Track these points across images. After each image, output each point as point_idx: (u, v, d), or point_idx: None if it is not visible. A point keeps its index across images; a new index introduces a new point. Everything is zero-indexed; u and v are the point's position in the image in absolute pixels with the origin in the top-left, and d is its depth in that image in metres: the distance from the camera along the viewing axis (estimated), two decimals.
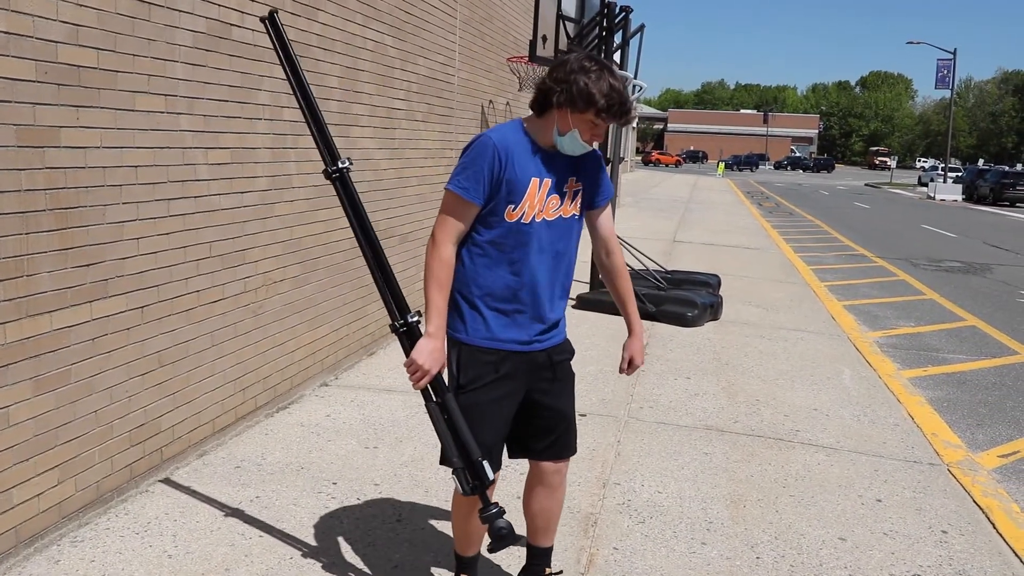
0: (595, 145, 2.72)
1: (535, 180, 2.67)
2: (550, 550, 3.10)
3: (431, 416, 2.66)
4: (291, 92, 2.79)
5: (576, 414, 2.97)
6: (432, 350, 2.61)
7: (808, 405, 5.77)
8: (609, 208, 2.96)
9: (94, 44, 3.45)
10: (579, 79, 2.57)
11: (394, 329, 2.69)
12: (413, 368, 2.60)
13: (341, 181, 2.72)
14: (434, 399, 2.66)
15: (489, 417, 2.74)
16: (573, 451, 2.96)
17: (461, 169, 2.66)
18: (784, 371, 6.62)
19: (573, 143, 2.66)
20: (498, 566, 3.37)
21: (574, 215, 2.80)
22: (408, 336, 2.67)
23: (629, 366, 3.03)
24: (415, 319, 2.67)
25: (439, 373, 2.65)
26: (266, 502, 3.90)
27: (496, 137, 2.65)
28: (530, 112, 2.76)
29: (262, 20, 2.79)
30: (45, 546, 3.38)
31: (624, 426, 5.15)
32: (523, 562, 3.19)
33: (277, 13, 2.74)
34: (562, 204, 2.74)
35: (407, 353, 2.64)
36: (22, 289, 3.18)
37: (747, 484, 4.37)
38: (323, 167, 2.74)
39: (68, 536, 3.48)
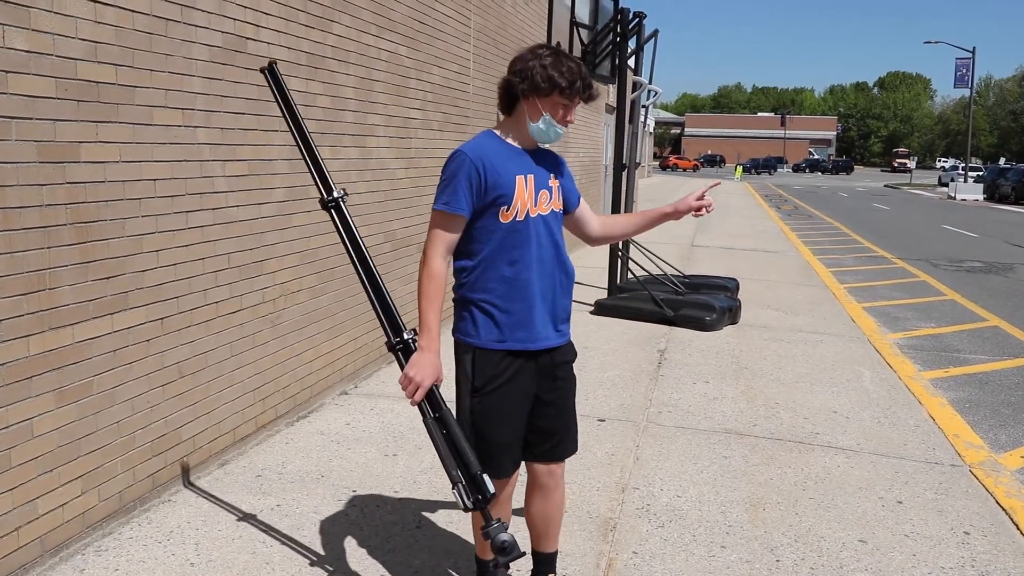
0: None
1: (520, 177, 2.74)
2: (554, 555, 3.10)
3: (429, 431, 2.66)
4: (288, 126, 2.85)
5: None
6: (424, 363, 2.64)
7: (828, 407, 5.74)
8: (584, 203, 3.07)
9: (112, 60, 3.50)
10: (537, 65, 2.70)
11: (390, 347, 2.73)
12: (406, 381, 2.64)
13: (336, 209, 2.79)
14: (431, 414, 2.66)
15: (507, 416, 2.79)
16: (570, 452, 2.99)
17: (443, 187, 2.72)
18: (803, 374, 6.59)
19: (549, 127, 2.76)
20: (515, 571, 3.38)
21: (562, 210, 2.91)
22: (404, 354, 2.70)
23: (703, 208, 2.97)
24: (410, 337, 2.71)
25: (435, 387, 2.66)
26: (287, 510, 3.93)
27: (469, 148, 2.73)
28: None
29: (262, 71, 2.90)
30: (70, 555, 3.42)
31: (643, 431, 5.14)
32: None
33: (276, 64, 2.88)
34: (551, 198, 2.83)
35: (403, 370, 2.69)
36: (44, 302, 3.23)
37: (766, 487, 4.36)
38: (319, 197, 2.82)
39: (92, 545, 3.52)
